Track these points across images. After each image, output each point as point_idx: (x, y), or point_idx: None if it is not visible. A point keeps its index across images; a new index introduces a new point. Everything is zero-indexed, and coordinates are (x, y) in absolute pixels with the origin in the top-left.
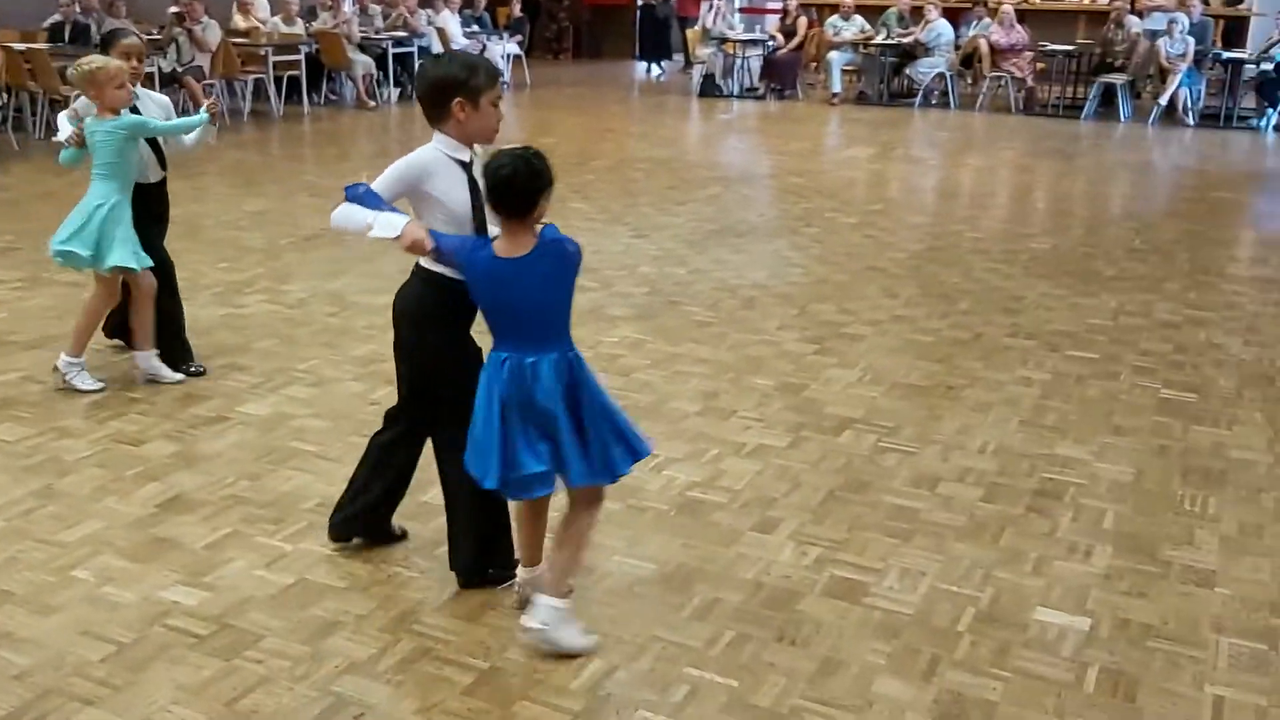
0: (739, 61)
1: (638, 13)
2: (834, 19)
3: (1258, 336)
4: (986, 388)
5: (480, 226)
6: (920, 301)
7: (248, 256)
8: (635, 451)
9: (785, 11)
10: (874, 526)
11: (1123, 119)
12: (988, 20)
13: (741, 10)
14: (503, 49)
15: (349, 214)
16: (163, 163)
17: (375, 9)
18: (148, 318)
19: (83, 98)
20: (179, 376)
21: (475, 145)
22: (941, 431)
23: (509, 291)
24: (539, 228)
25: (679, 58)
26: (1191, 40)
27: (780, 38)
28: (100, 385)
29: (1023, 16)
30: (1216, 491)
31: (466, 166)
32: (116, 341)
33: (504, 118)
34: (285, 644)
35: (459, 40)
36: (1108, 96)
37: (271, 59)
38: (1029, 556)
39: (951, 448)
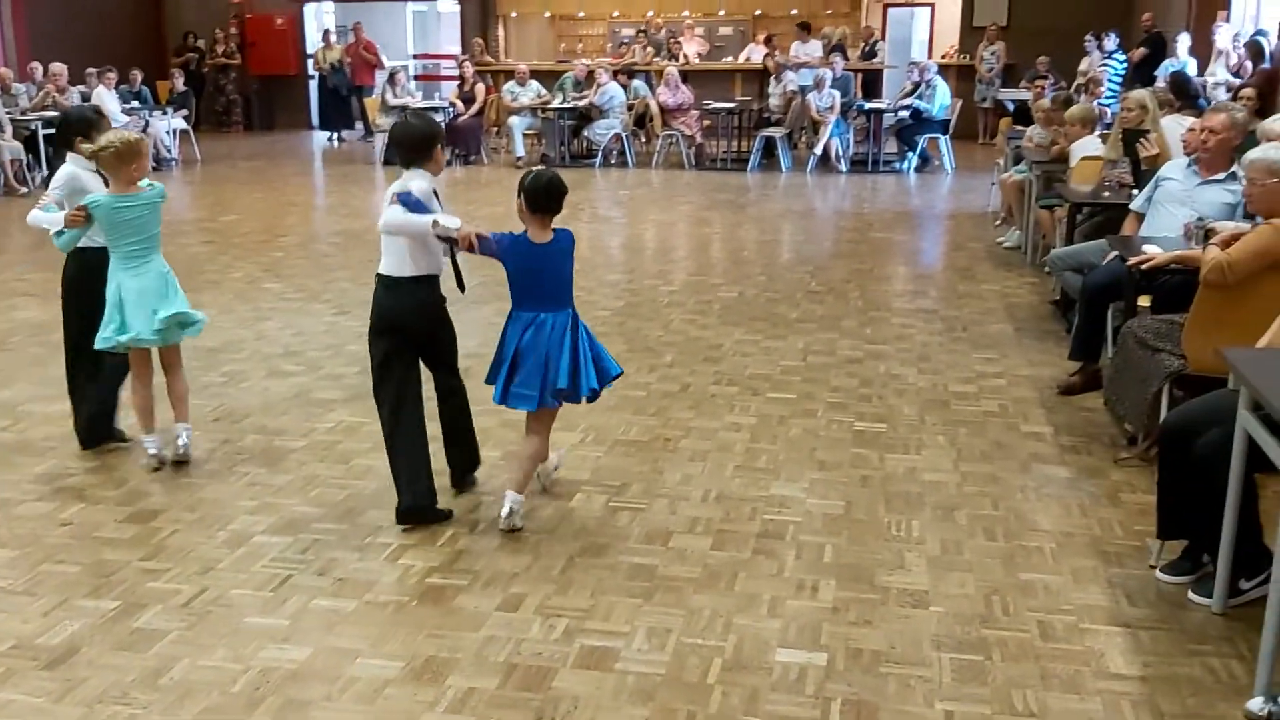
0: None
1: (313, 83)
2: (510, 85)
3: (930, 364)
4: (700, 436)
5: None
6: (628, 357)
7: None
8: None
9: (462, 79)
10: (616, 589)
11: (784, 169)
12: (639, 84)
13: (418, 78)
14: (167, 124)
15: (411, 220)
16: None
17: (20, 88)
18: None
19: (73, 182)
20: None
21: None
22: (666, 484)
23: (543, 266)
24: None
25: (360, 126)
26: (837, 93)
27: (460, 104)
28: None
29: (686, 77)
30: (917, 514)
31: (436, 194)
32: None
33: None
34: None
35: (118, 118)
36: (769, 149)
37: None
38: (763, 599)
39: (677, 499)
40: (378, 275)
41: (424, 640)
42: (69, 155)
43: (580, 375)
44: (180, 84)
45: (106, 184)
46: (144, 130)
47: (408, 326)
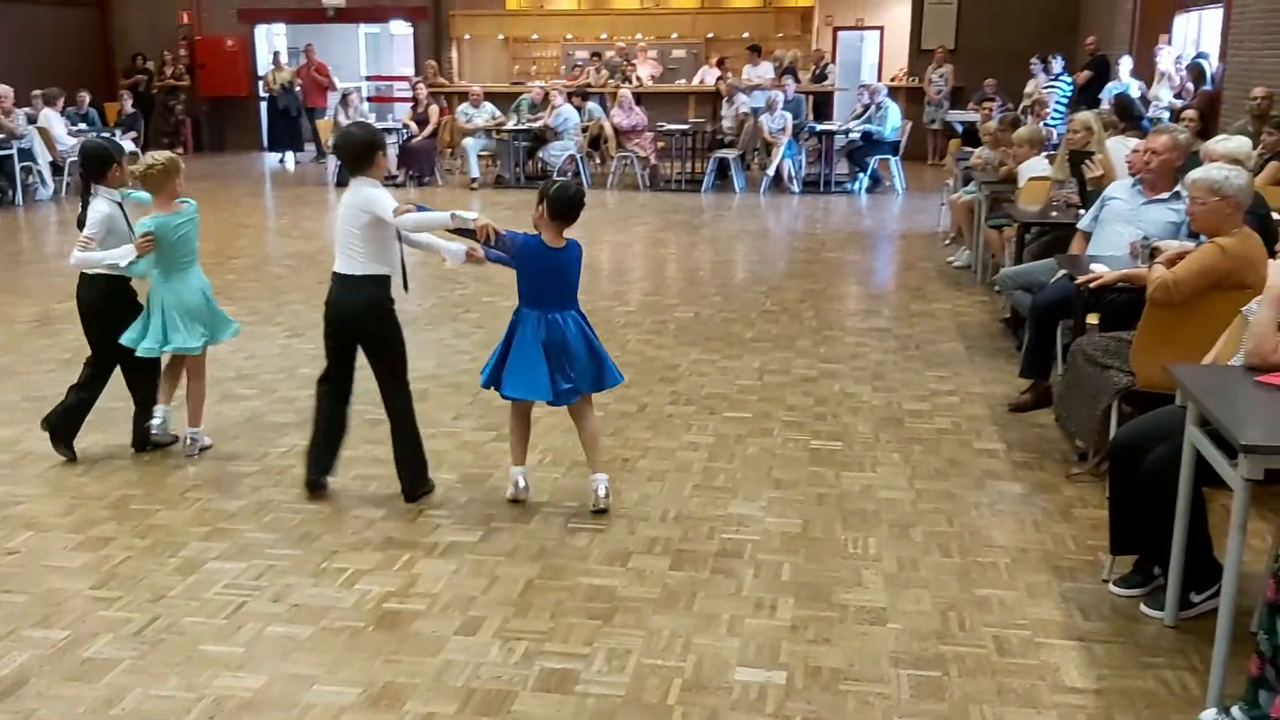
0: None
1: (263, 104)
2: (464, 106)
3: (883, 382)
4: (658, 456)
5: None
6: None
7: None
8: (614, 375)
9: (416, 100)
10: (575, 611)
11: (737, 190)
12: (593, 105)
13: (371, 99)
14: None
15: (429, 216)
16: None
17: None
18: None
19: (109, 223)
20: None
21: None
22: (624, 505)
23: (555, 269)
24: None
25: (311, 148)
26: (789, 115)
27: (414, 126)
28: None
29: (640, 99)
30: (874, 532)
31: None
32: None
33: None
34: None
35: (65, 141)
36: (722, 170)
37: None
38: (722, 618)
39: (636, 519)
40: (332, 273)
41: (381, 666)
42: (100, 190)
43: (605, 364)
44: (129, 106)
45: (124, 211)
46: None
47: (350, 319)
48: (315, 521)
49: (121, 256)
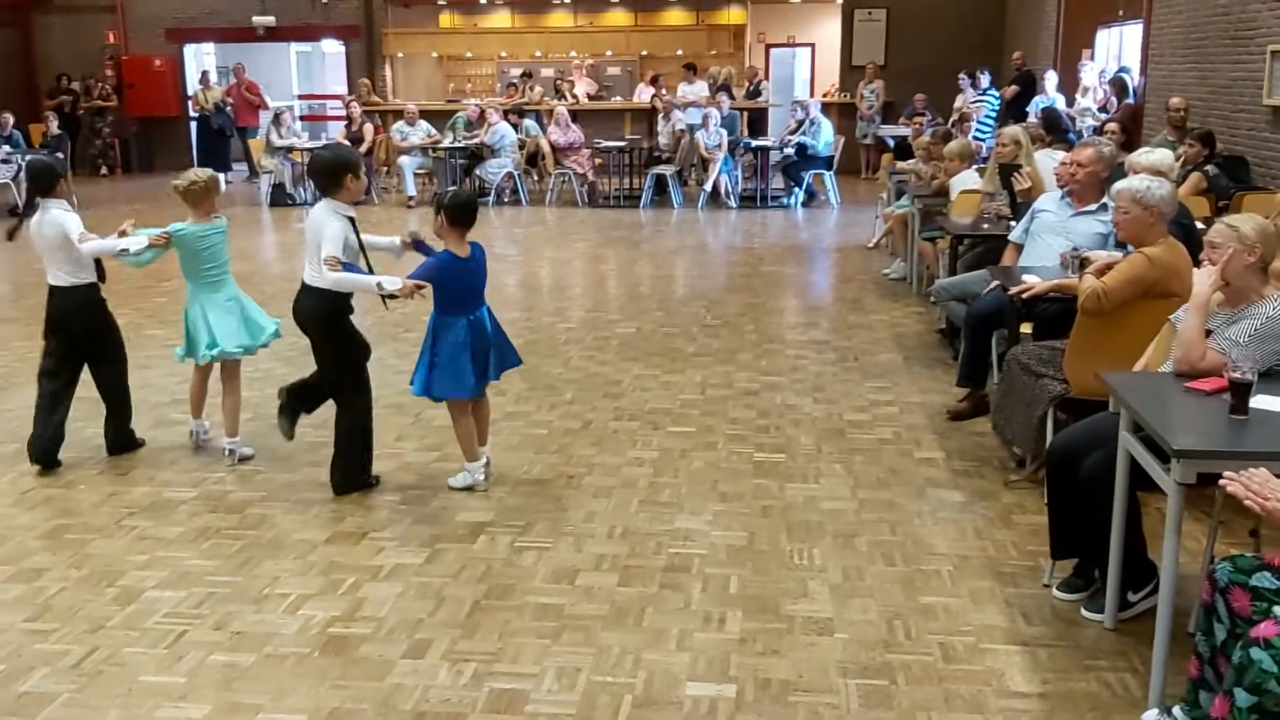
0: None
1: (193, 124)
2: (399, 125)
3: (824, 394)
4: (604, 473)
5: (365, 253)
6: (529, 396)
7: None
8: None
9: (350, 119)
10: (524, 630)
11: (675, 206)
12: (530, 123)
13: (304, 118)
14: None
15: (355, 279)
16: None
17: None
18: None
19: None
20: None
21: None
22: (571, 522)
23: (469, 274)
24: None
25: (241, 167)
26: (724, 131)
27: (348, 145)
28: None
29: (576, 116)
30: (818, 542)
31: (352, 219)
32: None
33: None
34: None
35: None
36: (660, 186)
37: None
38: (671, 634)
39: (583, 537)
40: None
41: (328, 692)
42: (50, 203)
43: (507, 345)
44: (54, 127)
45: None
46: (15, 176)
47: (301, 322)
48: (256, 547)
49: (132, 243)
